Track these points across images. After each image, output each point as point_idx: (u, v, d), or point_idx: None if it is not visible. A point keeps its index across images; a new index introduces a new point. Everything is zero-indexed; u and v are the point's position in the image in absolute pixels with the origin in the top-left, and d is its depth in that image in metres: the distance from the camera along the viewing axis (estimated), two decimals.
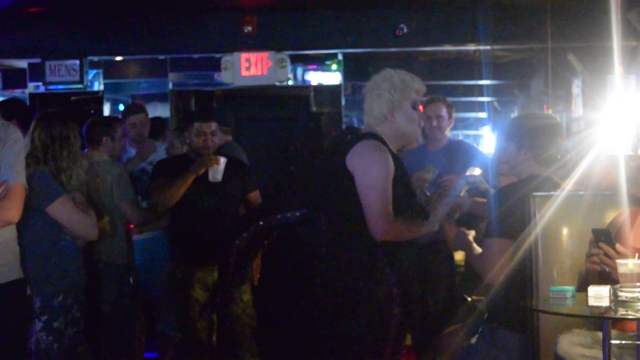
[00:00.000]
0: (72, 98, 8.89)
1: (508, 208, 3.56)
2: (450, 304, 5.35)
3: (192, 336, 5.21)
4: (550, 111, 7.74)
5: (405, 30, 8.46)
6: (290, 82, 9.06)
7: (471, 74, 10.20)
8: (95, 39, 8.79)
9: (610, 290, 3.12)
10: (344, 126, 9.00)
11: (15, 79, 9.44)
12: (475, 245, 3.74)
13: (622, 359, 3.29)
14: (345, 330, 3.66)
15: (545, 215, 3.47)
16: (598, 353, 3.25)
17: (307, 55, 9.22)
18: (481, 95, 11.42)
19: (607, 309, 3.09)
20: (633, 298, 3.09)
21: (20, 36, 8.71)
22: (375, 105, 3.82)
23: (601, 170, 3.72)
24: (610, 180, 3.64)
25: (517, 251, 3.49)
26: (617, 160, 3.69)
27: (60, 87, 8.83)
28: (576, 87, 8.48)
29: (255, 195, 5.39)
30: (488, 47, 8.85)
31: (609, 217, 3.60)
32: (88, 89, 8.94)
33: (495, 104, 12.06)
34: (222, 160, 5.13)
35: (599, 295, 3.13)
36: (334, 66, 9.24)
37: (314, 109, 9.44)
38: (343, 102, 9.17)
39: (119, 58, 9.33)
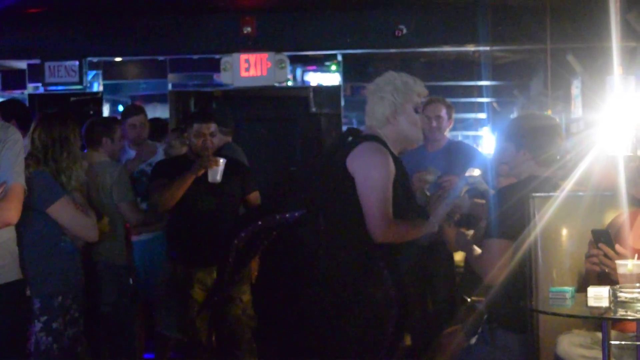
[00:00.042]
0: (72, 99, 8.87)
1: (508, 209, 3.56)
2: (450, 305, 5.35)
3: (192, 337, 5.22)
4: (549, 112, 7.73)
5: (404, 31, 8.45)
6: (290, 83, 9.06)
7: (470, 75, 10.21)
8: (95, 40, 8.78)
9: (609, 290, 3.12)
10: (343, 127, 9.02)
11: (15, 79, 9.44)
12: (475, 246, 3.74)
13: (622, 359, 3.29)
14: (343, 331, 3.67)
15: (544, 215, 3.47)
16: (598, 354, 3.25)
17: (307, 56, 9.23)
18: (480, 96, 11.44)
19: (607, 309, 3.09)
20: (632, 299, 3.09)
21: (20, 37, 8.71)
22: (377, 107, 3.83)
23: (600, 171, 3.72)
24: (610, 181, 3.64)
25: (517, 252, 3.49)
26: (616, 161, 3.69)
27: (60, 88, 8.82)
28: (575, 88, 8.48)
29: (254, 196, 5.39)
30: (487, 48, 8.86)
31: (608, 218, 3.60)
32: (87, 90, 8.92)
33: (495, 104, 12.08)
34: (222, 162, 5.13)
35: (598, 296, 3.12)
36: (334, 67, 9.24)
37: (314, 109, 9.44)
38: (342, 103, 9.17)
39: (118, 59, 9.33)
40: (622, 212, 3.51)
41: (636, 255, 3.26)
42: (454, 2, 8.36)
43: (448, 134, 5.80)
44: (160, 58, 9.21)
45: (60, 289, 4.32)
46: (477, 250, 3.70)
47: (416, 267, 4.98)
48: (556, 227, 3.55)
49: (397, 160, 3.77)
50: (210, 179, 5.12)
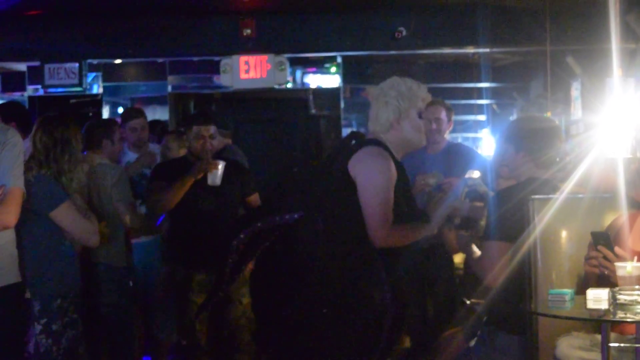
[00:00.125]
0: (71, 101, 8.88)
1: (507, 211, 3.55)
2: (449, 307, 5.35)
3: (191, 339, 5.21)
4: (549, 114, 7.73)
5: (404, 33, 8.46)
6: (289, 85, 9.06)
7: (470, 77, 10.20)
8: (95, 42, 8.79)
9: (609, 293, 3.12)
10: (342, 129, 9.02)
11: (15, 81, 9.43)
12: (475, 248, 3.74)
13: None
14: (339, 332, 3.66)
15: (544, 218, 3.47)
16: (597, 356, 3.25)
17: (306, 58, 9.23)
18: (480, 97, 11.42)
19: (606, 311, 3.09)
20: (632, 301, 3.09)
21: (20, 39, 8.71)
22: (382, 112, 3.83)
23: (600, 173, 3.72)
24: (609, 183, 3.64)
25: (516, 254, 3.49)
26: (616, 162, 3.69)
27: (60, 90, 8.83)
28: (575, 90, 8.47)
29: (254, 198, 5.38)
30: (487, 50, 8.86)
31: (607, 220, 3.60)
32: (87, 92, 8.93)
33: (494, 106, 12.06)
34: (221, 165, 5.13)
35: (597, 298, 3.12)
36: (333, 69, 9.24)
37: (313, 111, 9.45)
38: (342, 104, 9.17)
39: (118, 61, 9.33)
40: (622, 214, 3.51)
41: (635, 258, 3.26)
42: (454, 4, 8.37)
43: (448, 136, 5.79)
44: (160, 60, 9.21)
45: (59, 291, 4.32)
46: (477, 252, 3.70)
47: (416, 270, 4.98)
48: (555, 229, 3.55)
49: (398, 165, 3.78)
50: (209, 182, 5.11)
